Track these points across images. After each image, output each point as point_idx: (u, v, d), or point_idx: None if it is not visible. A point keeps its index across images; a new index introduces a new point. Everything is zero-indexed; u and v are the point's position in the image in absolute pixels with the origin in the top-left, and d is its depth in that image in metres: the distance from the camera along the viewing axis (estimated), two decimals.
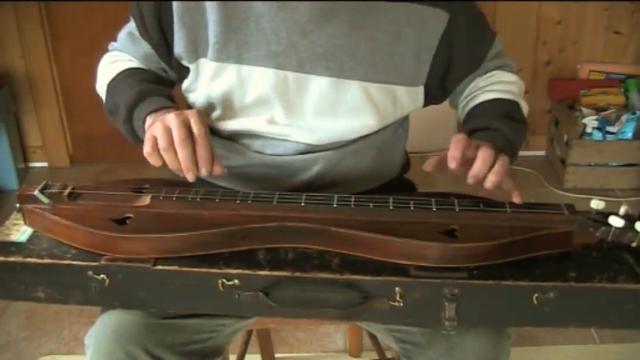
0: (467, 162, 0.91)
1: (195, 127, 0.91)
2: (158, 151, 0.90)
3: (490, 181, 0.90)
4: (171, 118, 0.91)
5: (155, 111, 0.99)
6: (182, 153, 0.89)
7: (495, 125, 1.01)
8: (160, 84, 1.08)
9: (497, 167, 0.90)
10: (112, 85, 1.08)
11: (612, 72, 2.70)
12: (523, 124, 1.06)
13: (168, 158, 0.90)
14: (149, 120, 0.98)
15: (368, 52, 1.03)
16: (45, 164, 2.83)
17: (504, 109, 1.05)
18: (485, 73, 1.11)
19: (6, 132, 2.58)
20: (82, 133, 2.81)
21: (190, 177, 0.90)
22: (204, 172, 0.91)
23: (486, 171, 0.90)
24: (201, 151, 0.91)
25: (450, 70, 1.08)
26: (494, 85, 1.10)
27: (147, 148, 0.91)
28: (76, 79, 2.68)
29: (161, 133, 0.90)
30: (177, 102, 1.05)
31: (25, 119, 2.75)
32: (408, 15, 1.03)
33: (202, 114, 0.95)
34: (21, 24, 2.58)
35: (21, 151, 2.77)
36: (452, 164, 0.90)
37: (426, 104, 1.11)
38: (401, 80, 1.05)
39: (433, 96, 1.11)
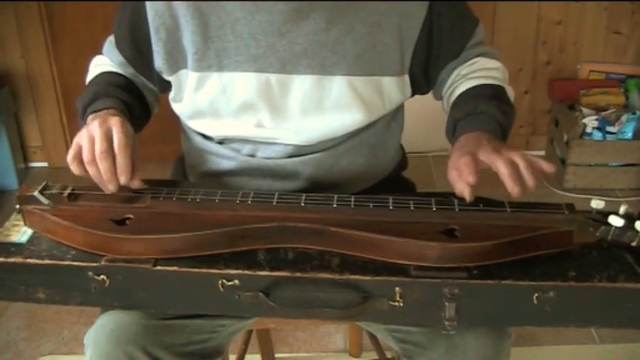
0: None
1: (116, 138, 0.92)
2: (80, 161, 0.91)
3: (533, 182, 0.88)
4: (95, 129, 0.92)
5: (98, 111, 1.00)
6: (102, 165, 0.90)
7: (481, 108, 1.00)
8: (131, 90, 1.09)
9: (524, 173, 0.88)
10: (86, 87, 1.10)
11: (612, 72, 2.70)
12: (510, 107, 1.04)
13: (91, 171, 0.92)
14: (89, 120, 0.99)
15: (349, 45, 1.01)
16: (45, 164, 2.82)
17: (489, 92, 1.04)
18: (467, 61, 1.09)
19: (6, 132, 2.57)
20: None
21: (111, 188, 0.91)
22: (123, 180, 0.91)
23: (517, 178, 0.87)
24: (120, 161, 0.91)
25: (431, 58, 1.07)
26: (477, 72, 1.08)
27: (69, 156, 0.92)
28: (76, 79, 2.65)
29: (85, 144, 0.91)
30: (130, 105, 1.05)
31: (25, 119, 2.75)
32: (387, 3, 1.02)
33: (126, 122, 0.96)
34: (21, 24, 2.58)
35: (21, 151, 2.76)
36: (468, 198, 0.89)
37: (412, 94, 1.10)
38: (386, 71, 1.04)
39: (418, 85, 1.09)
